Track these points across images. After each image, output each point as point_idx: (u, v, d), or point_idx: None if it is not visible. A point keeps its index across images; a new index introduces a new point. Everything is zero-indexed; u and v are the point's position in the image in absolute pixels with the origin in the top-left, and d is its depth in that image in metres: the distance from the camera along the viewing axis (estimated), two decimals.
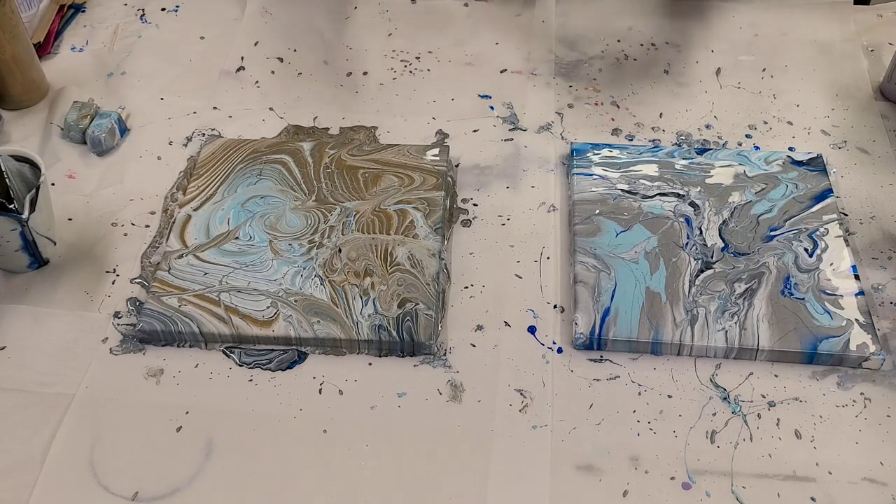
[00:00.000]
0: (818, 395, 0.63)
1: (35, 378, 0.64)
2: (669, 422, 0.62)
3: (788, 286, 0.67)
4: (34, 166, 0.69)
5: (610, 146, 0.79)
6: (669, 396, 0.63)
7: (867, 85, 0.88)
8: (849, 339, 0.64)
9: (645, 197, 0.74)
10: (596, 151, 0.78)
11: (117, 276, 0.71)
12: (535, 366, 0.65)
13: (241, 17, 0.96)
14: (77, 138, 0.81)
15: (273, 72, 0.90)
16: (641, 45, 0.93)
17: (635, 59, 0.91)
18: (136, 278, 0.70)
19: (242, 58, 0.91)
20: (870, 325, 0.65)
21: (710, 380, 0.64)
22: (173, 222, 0.73)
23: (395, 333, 0.65)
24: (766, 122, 0.84)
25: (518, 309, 0.68)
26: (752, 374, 0.64)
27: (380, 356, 0.65)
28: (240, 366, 0.65)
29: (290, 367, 0.65)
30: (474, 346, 0.66)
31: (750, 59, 0.91)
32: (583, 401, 0.63)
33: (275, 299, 0.67)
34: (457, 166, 0.80)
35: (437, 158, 0.78)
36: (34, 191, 0.66)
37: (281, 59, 0.91)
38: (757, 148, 0.81)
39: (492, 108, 0.86)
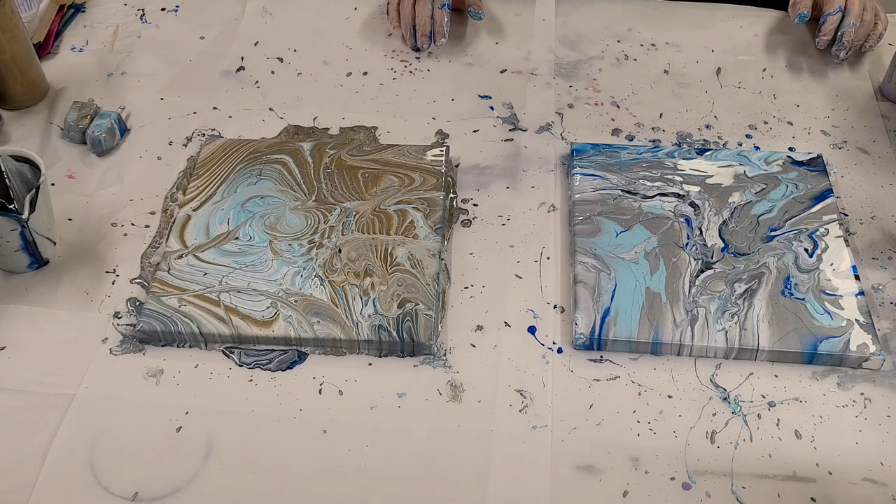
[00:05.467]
0: (818, 395, 0.63)
1: (35, 378, 0.64)
2: (669, 422, 0.62)
3: (788, 286, 0.67)
4: (34, 166, 0.69)
5: (610, 146, 0.79)
6: (669, 396, 0.63)
7: (867, 85, 0.88)
8: (849, 340, 0.64)
9: (645, 197, 0.74)
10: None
11: (117, 276, 0.71)
12: (535, 366, 0.65)
13: (241, 17, 0.96)
14: (77, 138, 0.81)
15: (273, 72, 0.90)
16: (641, 45, 0.93)
17: (635, 59, 0.91)
18: (136, 278, 0.70)
19: (242, 58, 0.91)
20: (870, 326, 0.65)
21: (710, 380, 0.64)
22: (173, 222, 0.73)
23: (395, 333, 0.65)
24: (766, 122, 0.84)
25: (518, 309, 0.68)
26: (752, 374, 0.64)
27: (380, 356, 0.65)
28: (240, 366, 0.65)
29: (290, 367, 0.65)
30: (474, 346, 0.66)
31: (750, 59, 0.91)
32: (583, 401, 0.63)
33: (275, 299, 0.67)
34: (457, 166, 0.80)
35: (437, 158, 0.78)
36: (34, 191, 0.66)
37: (281, 59, 0.91)
38: (757, 148, 0.81)
39: (492, 108, 0.86)
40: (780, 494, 0.58)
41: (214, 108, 0.86)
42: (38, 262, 0.70)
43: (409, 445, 0.60)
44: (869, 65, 0.91)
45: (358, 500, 0.58)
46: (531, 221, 0.75)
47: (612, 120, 0.84)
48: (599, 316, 0.66)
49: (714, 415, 0.62)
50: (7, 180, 0.68)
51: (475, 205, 0.76)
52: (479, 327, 0.67)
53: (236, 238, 0.71)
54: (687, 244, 0.71)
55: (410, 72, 0.90)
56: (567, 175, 0.78)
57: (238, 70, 0.90)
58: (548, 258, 0.72)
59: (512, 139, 0.82)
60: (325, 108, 0.86)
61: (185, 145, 0.82)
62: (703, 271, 0.69)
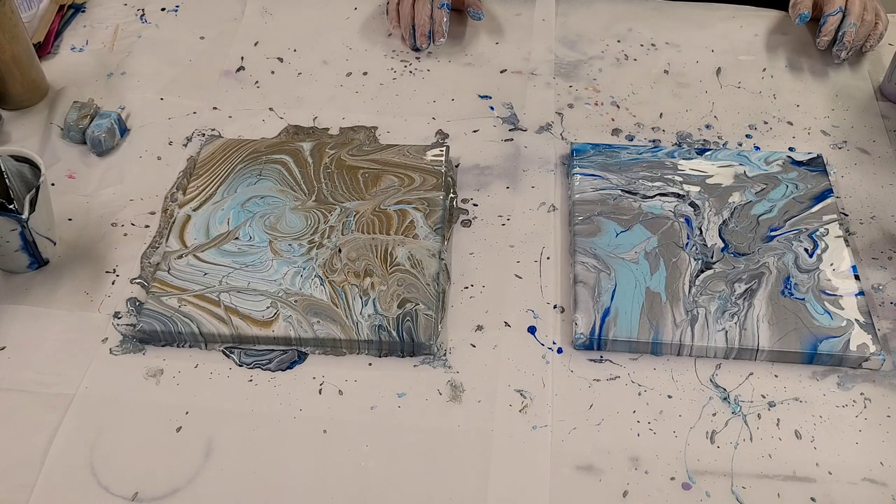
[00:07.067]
0: (818, 395, 0.63)
1: (35, 378, 0.64)
2: (669, 422, 0.62)
3: (788, 286, 0.67)
4: (34, 166, 0.69)
5: (610, 146, 0.79)
6: (669, 396, 0.63)
7: (867, 85, 0.88)
8: (849, 340, 0.64)
9: (645, 197, 0.74)
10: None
11: (117, 276, 0.71)
12: (535, 366, 0.65)
13: (241, 17, 0.96)
14: (77, 138, 0.81)
15: (273, 72, 0.90)
16: (641, 45, 0.93)
17: (635, 59, 0.91)
18: (135, 278, 0.70)
19: (242, 58, 0.91)
20: (870, 326, 0.65)
21: (710, 380, 0.64)
22: (173, 222, 0.73)
23: (395, 333, 0.65)
24: (766, 122, 0.84)
25: (518, 309, 0.68)
26: (752, 374, 0.64)
27: (380, 356, 0.65)
28: (240, 366, 0.65)
29: (290, 367, 0.65)
30: (474, 346, 0.66)
31: (750, 59, 0.91)
32: (583, 401, 0.63)
33: (275, 299, 0.67)
34: (457, 166, 0.80)
35: (437, 158, 0.78)
36: (34, 191, 0.66)
37: (281, 59, 0.91)
38: (757, 148, 0.81)
39: (492, 108, 0.86)
40: (780, 494, 0.58)
41: (214, 108, 0.86)
42: (38, 262, 0.70)
43: (409, 445, 0.60)
44: (869, 65, 0.91)
45: (358, 500, 0.58)
46: (531, 221, 0.75)
47: (612, 120, 0.84)
48: (599, 316, 0.66)
49: (714, 415, 0.62)
50: (7, 180, 0.68)
51: (475, 205, 0.76)
52: (479, 327, 0.67)
53: (236, 238, 0.71)
54: (687, 244, 0.71)
55: (410, 72, 0.90)
56: (567, 175, 0.78)
57: (238, 70, 0.90)
58: (548, 258, 0.72)
59: (512, 139, 0.82)
60: (325, 108, 0.86)
61: (185, 145, 0.82)
62: (703, 271, 0.69)
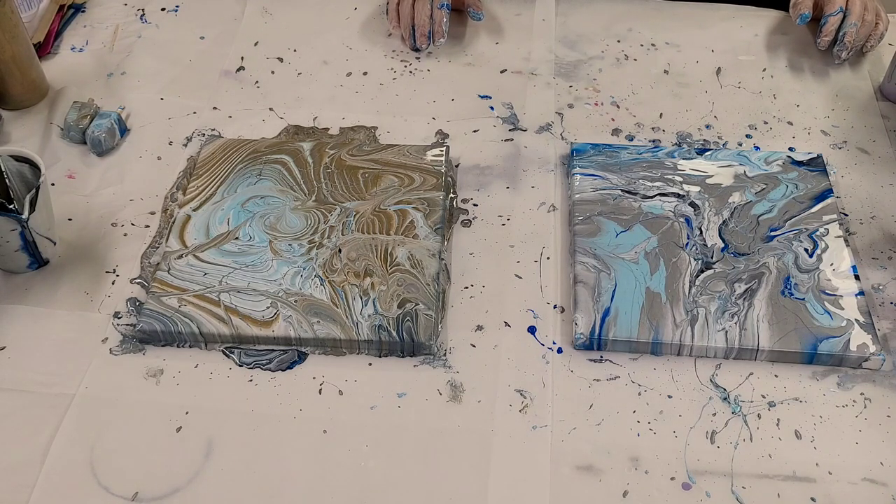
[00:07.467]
0: (818, 395, 0.63)
1: (35, 378, 0.64)
2: (669, 422, 0.62)
3: (788, 286, 0.67)
4: (34, 166, 0.69)
5: (610, 146, 0.79)
6: (669, 396, 0.63)
7: (867, 85, 0.88)
8: (849, 340, 0.64)
9: (645, 197, 0.74)
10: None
11: (117, 276, 0.71)
12: (535, 366, 0.65)
13: (241, 17, 0.96)
14: (77, 138, 0.81)
15: (273, 72, 0.90)
16: (641, 45, 0.93)
17: (635, 59, 0.91)
18: (135, 278, 0.70)
19: (242, 58, 0.91)
20: (870, 326, 0.65)
21: (710, 380, 0.64)
22: (173, 222, 0.73)
23: (395, 333, 0.65)
24: (766, 122, 0.84)
25: (518, 309, 0.68)
26: (752, 374, 0.64)
27: (380, 356, 0.65)
28: (240, 366, 0.65)
29: (290, 367, 0.65)
30: (474, 346, 0.66)
31: (750, 59, 0.91)
32: (583, 401, 0.63)
33: (275, 299, 0.67)
34: (457, 166, 0.80)
35: (437, 158, 0.78)
36: (34, 191, 0.66)
37: (281, 59, 0.91)
38: (757, 148, 0.81)
39: (492, 108, 0.86)
40: (780, 494, 0.58)
41: (214, 108, 0.86)
42: (38, 262, 0.70)
43: (409, 445, 0.60)
44: (869, 65, 0.91)
45: (358, 500, 0.58)
46: (531, 221, 0.75)
47: (612, 120, 0.84)
48: (599, 316, 0.66)
49: (714, 415, 0.62)
50: (7, 180, 0.68)
51: (475, 205, 0.76)
52: (479, 327, 0.67)
53: (236, 238, 0.71)
54: (687, 244, 0.71)
55: (410, 72, 0.90)
56: (567, 175, 0.78)
57: (238, 70, 0.90)
58: (548, 258, 0.72)
59: (512, 139, 0.82)
60: (325, 108, 0.86)
61: (185, 145, 0.82)
62: (703, 271, 0.69)
